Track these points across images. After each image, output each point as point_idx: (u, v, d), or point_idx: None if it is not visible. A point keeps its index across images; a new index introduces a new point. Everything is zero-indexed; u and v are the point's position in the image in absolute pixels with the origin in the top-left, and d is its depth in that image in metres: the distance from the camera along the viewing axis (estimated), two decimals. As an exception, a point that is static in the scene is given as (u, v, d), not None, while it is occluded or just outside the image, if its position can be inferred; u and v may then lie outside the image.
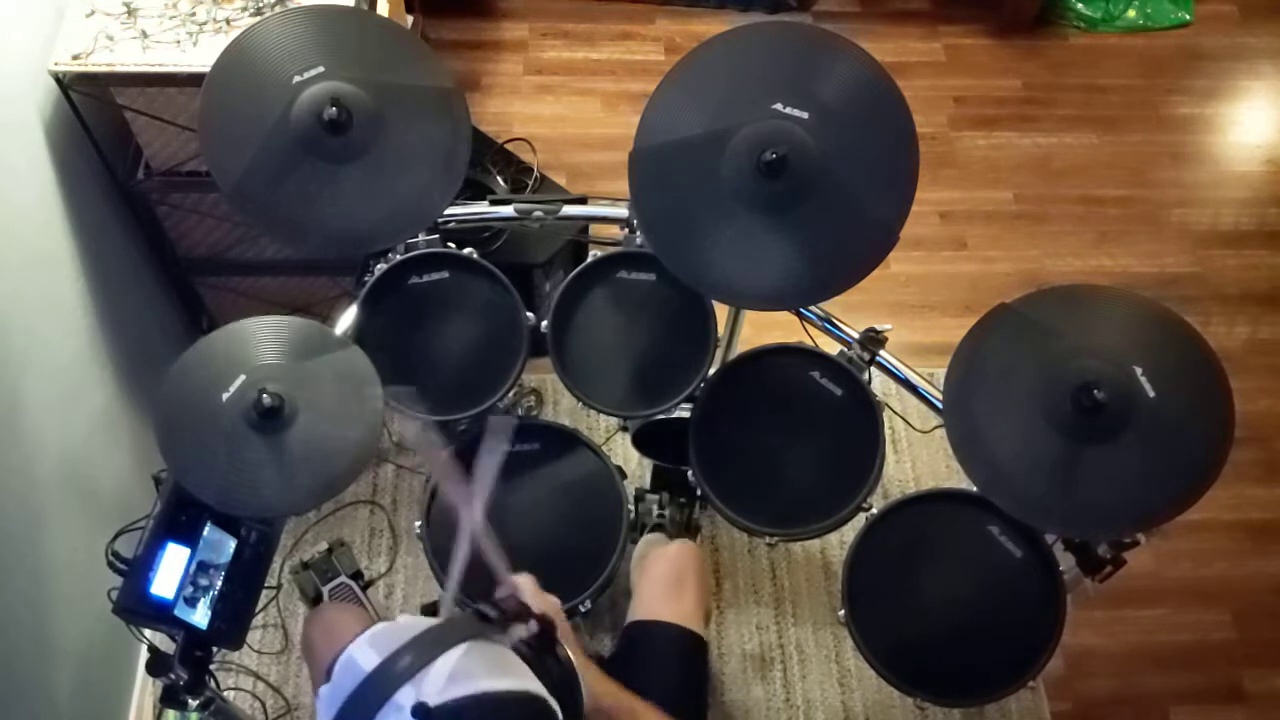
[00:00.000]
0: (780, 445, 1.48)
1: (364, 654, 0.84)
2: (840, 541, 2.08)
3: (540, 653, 0.92)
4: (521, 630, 0.93)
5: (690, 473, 1.49)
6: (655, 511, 1.86)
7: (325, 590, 1.93)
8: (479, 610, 0.93)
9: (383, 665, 0.81)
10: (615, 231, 1.63)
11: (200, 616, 1.28)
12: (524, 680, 0.86)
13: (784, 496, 1.47)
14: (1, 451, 1.44)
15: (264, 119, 1.32)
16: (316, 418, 1.27)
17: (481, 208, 1.65)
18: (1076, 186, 2.73)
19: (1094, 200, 2.71)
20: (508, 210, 1.64)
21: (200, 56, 1.59)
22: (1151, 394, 1.21)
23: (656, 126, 1.32)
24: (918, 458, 2.25)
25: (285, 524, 1.58)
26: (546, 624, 0.94)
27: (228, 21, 1.64)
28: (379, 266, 1.50)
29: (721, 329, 1.63)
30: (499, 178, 2.15)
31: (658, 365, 1.51)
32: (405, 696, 0.79)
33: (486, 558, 1.00)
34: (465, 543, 1.00)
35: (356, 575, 1.97)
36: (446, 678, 0.81)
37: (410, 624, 0.88)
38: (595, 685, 1.13)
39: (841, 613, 1.38)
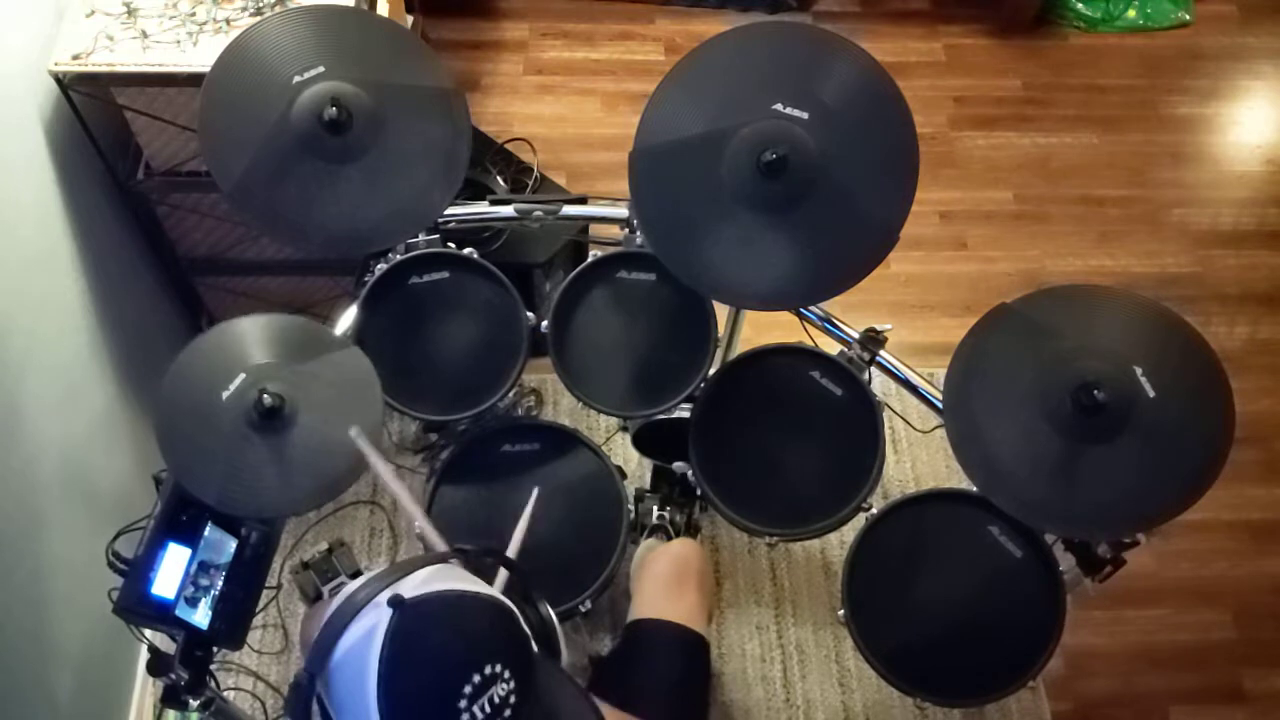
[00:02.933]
0: (780, 445, 1.48)
1: (353, 584, 0.91)
2: (840, 541, 2.08)
3: (519, 601, 0.96)
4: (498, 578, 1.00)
5: (690, 473, 1.49)
6: (655, 511, 1.86)
7: (325, 590, 1.92)
8: (457, 547, 1.01)
9: (365, 581, 0.89)
10: (615, 231, 1.63)
11: (201, 616, 1.28)
12: (496, 593, 0.92)
13: (784, 496, 1.47)
14: (1, 452, 1.44)
15: (264, 119, 1.32)
16: (316, 418, 1.27)
17: (481, 208, 1.65)
18: (1076, 186, 2.73)
19: (1094, 200, 2.71)
20: (508, 210, 1.64)
21: (200, 56, 1.59)
22: (1151, 394, 1.21)
23: (656, 126, 1.32)
24: (918, 458, 2.25)
25: (285, 524, 1.58)
26: (521, 573, 1.02)
27: (228, 21, 1.64)
28: (379, 266, 1.50)
29: (721, 329, 1.63)
30: (499, 178, 2.15)
31: (658, 365, 1.51)
32: (383, 597, 0.85)
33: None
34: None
35: (356, 575, 1.96)
36: (422, 580, 0.88)
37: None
38: None
39: (841, 613, 1.38)
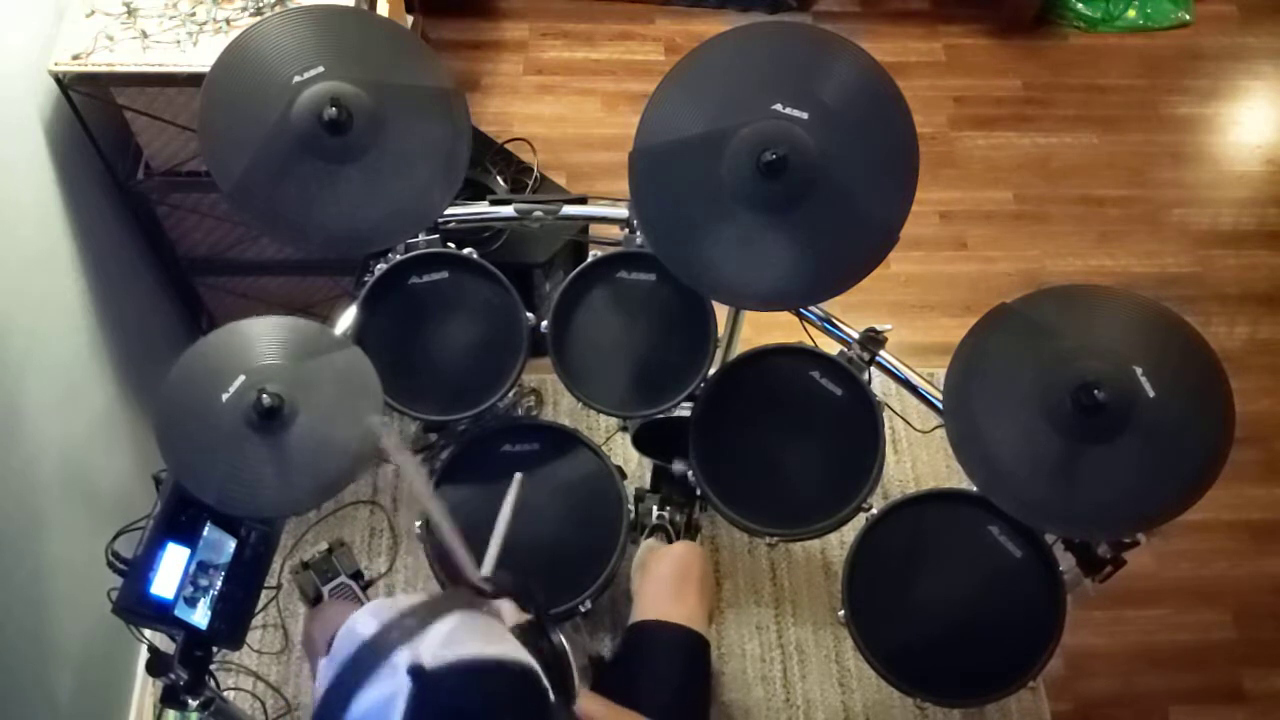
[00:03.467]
0: (780, 445, 1.48)
1: (363, 622, 0.85)
2: (840, 541, 2.08)
3: (533, 634, 0.94)
4: (513, 612, 0.97)
5: (690, 473, 1.48)
6: (655, 511, 1.86)
7: (325, 590, 1.92)
8: (474, 585, 0.96)
9: (380, 631, 0.83)
10: (615, 231, 1.63)
11: (200, 616, 1.28)
12: (516, 651, 0.88)
13: (784, 496, 1.47)
14: (2, 452, 1.44)
15: (264, 119, 1.32)
16: (316, 418, 1.27)
17: (481, 208, 1.65)
18: (1076, 186, 2.73)
19: (1094, 200, 2.71)
20: (508, 210, 1.64)
21: (200, 56, 1.59)
22: (1151, 394, 1.21)
23: (656, 126, 1.32)
24: (918, 458, 2.25)
25: (285, 524, 1.58)
26: (543, 610, 0.98)
27: (228, 21, 1.64)
28: (379, 266, 1.50)
29: (721, 329, 1.63)
30: (499, 178, 2.15)
31: (658, 365, 1.51)
32: (401, 658, 0.80)
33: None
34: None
35: (356, 575, 1.96)
36: (441, 642, 0.83)
37: (408, 598, 0.90)
38: (588, 705, 1.13)
39: (841, 613, 1.38)
